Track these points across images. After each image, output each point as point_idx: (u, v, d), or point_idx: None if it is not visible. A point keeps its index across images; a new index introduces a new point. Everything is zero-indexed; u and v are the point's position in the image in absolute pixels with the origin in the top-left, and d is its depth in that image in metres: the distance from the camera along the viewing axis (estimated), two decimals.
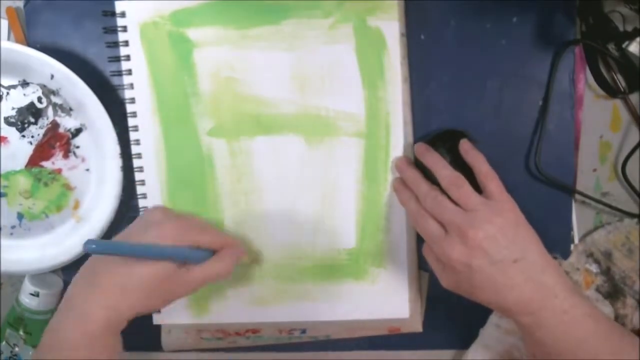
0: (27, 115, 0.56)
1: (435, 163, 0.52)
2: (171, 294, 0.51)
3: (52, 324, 0.48)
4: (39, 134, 0.57)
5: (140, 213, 0.58)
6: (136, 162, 0.57)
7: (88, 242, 0.45)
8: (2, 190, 0.59)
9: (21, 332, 0.60)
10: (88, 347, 0.47)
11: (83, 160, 0.58)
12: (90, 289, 0.48)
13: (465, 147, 0.52)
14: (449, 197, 0.50)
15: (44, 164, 0.58)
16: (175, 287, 0.50)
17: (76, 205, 0.59)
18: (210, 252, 0.52)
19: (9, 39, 0.58)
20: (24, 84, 0.56)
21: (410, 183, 0.53)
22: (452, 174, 0.50)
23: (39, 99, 0.56)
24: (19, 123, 0.57)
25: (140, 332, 0.61)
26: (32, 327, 0.60)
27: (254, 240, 0.58)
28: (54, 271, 0.62)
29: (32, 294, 0.59)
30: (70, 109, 0.56)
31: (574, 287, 0.49)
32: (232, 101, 0.56)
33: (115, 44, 0.56)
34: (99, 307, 0.47)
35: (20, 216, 0.60)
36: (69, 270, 0.61)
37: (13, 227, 0.60)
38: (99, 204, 0.58)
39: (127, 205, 0.58)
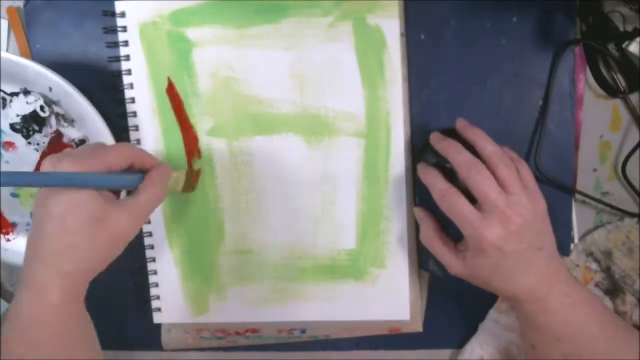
0: (31, 123, 0.56)
1: (481, 137, 0.49)
2: (117, 236, 0.46)
3: (11, 305, 0.45)
4: (44, 142, 0.57)
5: None
6: None
7: None
8: (14, 192, 0.59)
9: None
10: (54, 319, 0.45)
11: None
12: (37, 260, 0.45)
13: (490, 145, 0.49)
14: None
15: None
16: (118, 225, 0.46)
17: None
18: (139, 174, 0.49)
19: (9, 39, 0.58)
20: (26, 92, 0.55)
21: (449, 151, 0.50)
22: (500, 150, 0.48)
23: (42, 108, 0.56)
24: (24, 130, 0.57)
25: (140, 331, 0.62)
26: None
27: (254, 240, 0.58)
28: None
29: None
30: (73, 120, 0.56)
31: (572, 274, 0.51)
32: (232, 101, 0.56)
33: (115, 44, 0.56)
34: (52, 277, 0.44)
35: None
36: None
37: (28, 224, 0.61)
38: None
39: None
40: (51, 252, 0.44)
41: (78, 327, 0.47)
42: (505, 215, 0.46)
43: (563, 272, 0.49)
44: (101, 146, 0.48)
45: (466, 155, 0.48)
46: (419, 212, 0.55)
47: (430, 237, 0.52)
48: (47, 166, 0.44)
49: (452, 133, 0.54)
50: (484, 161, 0.48)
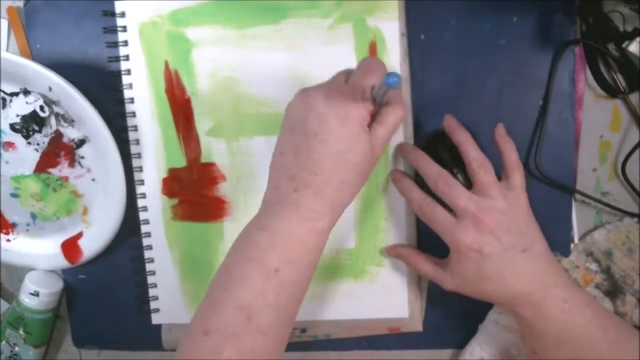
0: (31, 123, 0.56)
1: (465, 142, 0.50)
2: (369, 168, 0.48)
3: (266, 222, 0.46)
4: (44, 142, 0.57)
5: (140, 214, 0.58)
6: (136, 162, 0.57)
7: (393, 78, 0.40)
8: (14, 192, 0.59)
9: (21, 332, 0.60)
10: (316, 244, 0.47)
11: (89, 170, 0.58)
12: (312, 190, 0.46)
13: (501, 132, 0.52)
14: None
15: (51, 171, 0.58)
16: (376, 159, 0.48)
17: (85, 212, 0.59)
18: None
19: (9, 39, 0.58)
20: (26, 92, 0.55)
21: (418, 163, 0.52)
22: (482, 156, 0.50)
23: (41, 108, 0.56)
24: (24, 130, 0.57)
25: (140, 331, 0.62)
26: (32, 326, 0.60)
27: None
28: (54, 271, 0.62)
29: (32, 294, 0.60)
30: (72, 120, 0.56)
31: (569, 277, 0.50)
32: (231, 101, 0.56)
33: (115, 44, 0.56)
34: (324, 207, 0.46)
35: (33, 216, 0.60)
36: (69, 270, 0.62)
37: (28, 224, 0.61)
38: (106, 213, 0.58)
39: (127, 204, 0.58)
40: (328, 185, 0.46)
41: (322, 251, 0.48)
42: (478, 219, 0.47)
43: (559, 275, 0.49)
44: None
45: (433, 168, 0.50)
46: (393, 251, 0.57)
47: (417, 263, 0.54)
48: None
49: (437, 139, 0.54)
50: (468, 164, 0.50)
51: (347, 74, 0.48)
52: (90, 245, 0.59)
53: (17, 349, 0.60)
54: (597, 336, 0.48)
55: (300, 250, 0.46)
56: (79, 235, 0.60)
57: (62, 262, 0.60)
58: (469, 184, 0.50)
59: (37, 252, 0.61)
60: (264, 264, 0.44)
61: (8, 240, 0.61)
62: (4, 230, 0.61)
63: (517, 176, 0.50)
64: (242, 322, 0.43)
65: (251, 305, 0.44)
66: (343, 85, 0.47)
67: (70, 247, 0.60)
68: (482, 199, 0.48)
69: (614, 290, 0.57)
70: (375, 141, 0.47)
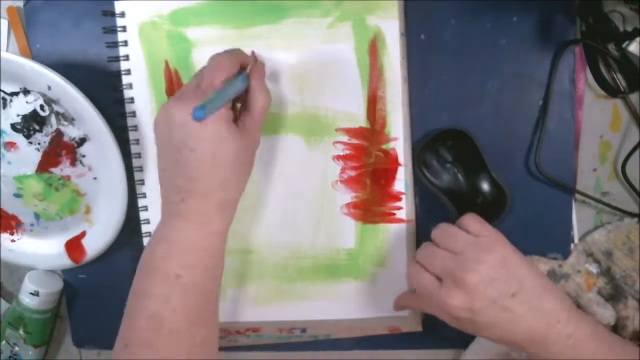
0: (31, 123, 0.56)
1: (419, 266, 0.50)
2: (253, 156, 0.50)
3: (162, 234, 0.49)
4: (45, 141, 0.57)
5: (140, 214, 0.58)
6: (136, 162, 0.57)
7: (197, 112, 0.41)
8: (17, 192, 0.59)
9: (21, 332, 0.60)
10: (213, 245, 0.49)
11: (90, 169, 0.58)
12: (196, 195, 0.47)
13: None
14: None
15: (53, 170, 0.58)
16: (254, 146, 0.49)
17: (87, 211, 0.59)
18: (241, 73, 0.49)
19: (9, 39, 0.58)
20: (26, 91, 0.55)
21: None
22: (438, 229, 0.50)
23: (42, 107, 0.56)
24: (24, 130, 0.57)
25: None
26: (32, 326, 0.60)
27: (254, 240, 0.58)
28: (54, 271, 0.62)
29: (32, 293, 0.60)
30: (73, 119, 0.56)
31: (572, 305, 0.49)
32: None
33: (115, 44, 0.56)
34: (213, 208, 0.48)
35: (37, 216, 0.61)
36: (69, 270, 0.62)
37: (32, 224, 0.61)
38: (108, 211, 0.58)
39: (127, 204, 0.58)
40: (211, 188, 0.47)
41: (223, 251, 0.50)
42: (457, 277, 0.46)
43: (559, 308, 0.47)
44: (214, 66, 0.48)
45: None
46: (399, 305, 0.57)
47: (424, 308, 0.53)
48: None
49: (451, 133, 0.54)
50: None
51: (201, 75, 0.49)
52: (94, 244, 0.59)
53: (17, 348, 0.60)
54: None
55: (197, 254, 0.48)
56: (82, 234, 0.60)
57: (66, 262, 0.60)
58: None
59: (42, 252, 0.61)
60: (165, 272, 0.47)
61: (12, 241, 0.61)
62: (8, 231, 0.61)
63: (473, 224, 0.49)
64: (155, 330, 0.46)
65: (160, 312, 0.47)
66: (195, 89, 0.47)
67: (74, 247, 0.60)
68: (458, 256, 0.47)
69: (615, 294, 0.57)
70: (247, 132, 0.48)
